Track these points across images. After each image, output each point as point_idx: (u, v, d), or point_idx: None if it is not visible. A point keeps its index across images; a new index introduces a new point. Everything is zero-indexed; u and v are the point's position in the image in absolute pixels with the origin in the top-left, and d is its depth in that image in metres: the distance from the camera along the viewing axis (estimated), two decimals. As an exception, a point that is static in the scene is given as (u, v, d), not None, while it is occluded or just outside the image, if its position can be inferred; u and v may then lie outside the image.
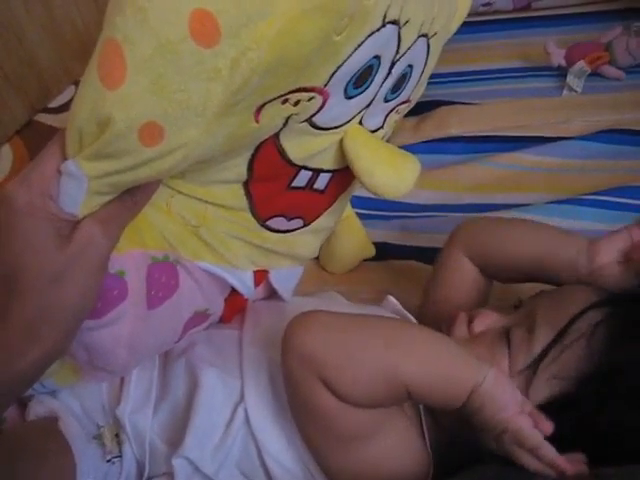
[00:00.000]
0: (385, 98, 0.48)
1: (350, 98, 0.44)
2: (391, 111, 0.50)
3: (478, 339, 0.53)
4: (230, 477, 0.55)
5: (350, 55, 0.40)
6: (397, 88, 0.48)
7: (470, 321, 0.55)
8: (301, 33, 0.35)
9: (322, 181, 0.51)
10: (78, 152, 0.38)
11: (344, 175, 0.51)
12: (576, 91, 1.04)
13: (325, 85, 0.41)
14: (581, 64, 1.03)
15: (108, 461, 0.57)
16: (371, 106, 0.47)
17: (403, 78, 0.47)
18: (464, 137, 0.97)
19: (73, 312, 0.42)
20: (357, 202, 0.81)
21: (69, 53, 1.03)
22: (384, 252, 0.82)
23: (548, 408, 0.48)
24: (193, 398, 0.56)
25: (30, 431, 0.57)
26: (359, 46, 0.40)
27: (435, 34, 0.47)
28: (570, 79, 1.03)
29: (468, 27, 1.19)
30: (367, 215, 0.86)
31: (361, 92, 0.44)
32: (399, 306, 0.62)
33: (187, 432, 0.55)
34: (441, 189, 0.89)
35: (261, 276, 0.58)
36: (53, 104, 0.92)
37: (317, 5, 0.34)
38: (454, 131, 0.98)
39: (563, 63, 1.05)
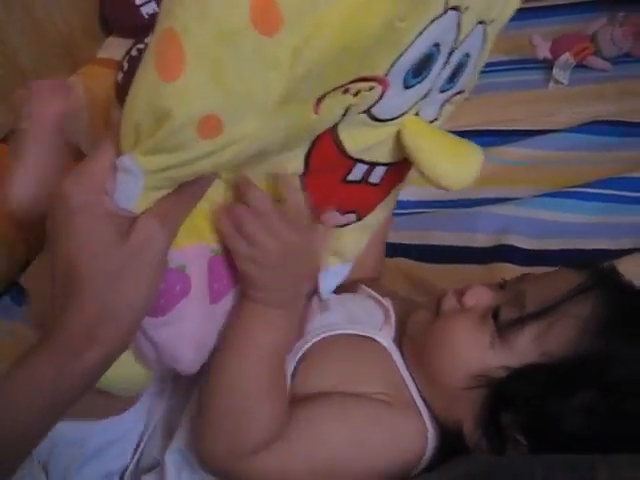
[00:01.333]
0: (441, 88, 0.46)
1: (408, 88, 0.42)
2: (446, 102, 0.49)
3: (468, 312, 0.54)
4: None
5: (412, 42, 0.38)
6: (453, 78, 0.46)
7: (461, 294, 0.55)
8: (365, 20, 0.33)
9: (377, 174, 0.49)
10: (133, 147, 0.37)
11: (399, 168, 0.50)
12: (562, 83, 1.04)
13: (386, 74, 0.39)
14: (567, 56, 1.03)
15: None
16: (428, 97, 0.45)
17: (460, 67, 0.45)
18: (453, 132, 0.96)
19: (133, 309, 0.42)
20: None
21: (52, 55, 1.02)
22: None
23: (524, 372, 0.49)
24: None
25: None
26: (421, 33, 0.38)
27: (492, 21, 0.45)
28: (556, 71, 1.04)
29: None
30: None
31: (419, 82, 0.42)
32: (371, 291, 0.63)
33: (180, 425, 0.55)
34: (428, 185, 0.89)
35: None
36: (38, 108, 0.92)
37: None
38: (443, 126, 0.98)
39: (549, 56, 1.05)
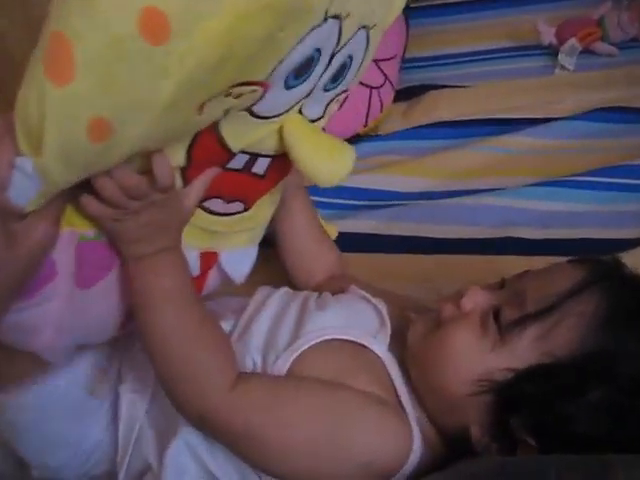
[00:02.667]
0: (325, 88, 0.48)
1: (290, 88, 0.44)
2: (331, 101, 0.51)
3: (467, 317, 0.52)
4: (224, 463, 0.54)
5: (293, 49, 0.40)
6: (337, 78, 0.49)
7: (459, 298, 0.54)
8: (248, 31, 0.35)
9: (261, 165, 0.51)
10: (30, 149, 0.38)
11: (284, 160, 0.51)
12: (568, 69, 1.02)
13: (267, 78, 0.41)
14: (572, 41, 1.01)
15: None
16: (311, 96, 0.47)
17: (343, 68, 0.48)
18: (454, 121, 0.95)
19: (4, 299, 0.43)
20: (345, 193, 0.79)
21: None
22: (371, 244, 0.81)
23: (528, 373, 0.48)
24: None
25: None
26: (301, 40, 0.40)
27: (374, 25, 0.48)
28: (562, 57, 1.02)
29: (456, 8, 1.18)
30: (352, 206, 0.85)
31: (301, 82, 0.45)
32: (363, 293, 0.62)
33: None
34: (432, 176, 0.88)
35: (209, 259, 0.57)
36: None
37: (264, 4, 0.35)
38: (444, 116, 0.97)
39: (554, 41, 1.03)
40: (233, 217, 0.55)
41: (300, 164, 0.48)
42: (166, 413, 0.56)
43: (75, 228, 0.48)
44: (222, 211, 0.54)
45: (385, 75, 0.96)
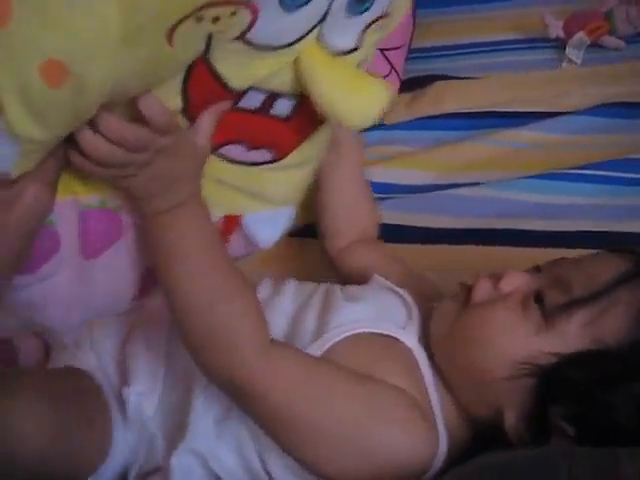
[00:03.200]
0: (350, 11, 0.41)
1: (291, 10, 0.38)
2: (367, 27, 0.43)
3: (506, 299, 0.51)
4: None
5: None
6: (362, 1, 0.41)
7: (496, 280, 0.53)
8: None
9: (282, 107, 0.45)
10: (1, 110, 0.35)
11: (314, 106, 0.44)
12: (576, 63, 1.01)
13: None
14: (580, 35, 1.01)
15: None
16: (328, 20, 0.40)
17: None
18: (460, 113, 0.95)
19: (4, 270, 0.42)
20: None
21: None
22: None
23: (576, 358, 0.47)
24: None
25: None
26: None
27: None
28: (569, 51, 1.01)
29: (463, -2, 1.17)
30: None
31: (304, 3, 0.38)
32: (388, 283, 0.61)
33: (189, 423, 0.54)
34: (435, 169, 0.88)
35: (232, 222, 0.52)
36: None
37: None
38: (450, 107, 0.96)
39: (561, 34, 1.03)
40: (261, 168, 0.49)
41: (318, 100, 0.42)
42: (174, 415, 0.56)
43: (77, 196, 0.46)
44: (245, 159, 0.48)
45: (391, 64, 0.95)
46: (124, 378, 0.59)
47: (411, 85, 1.01)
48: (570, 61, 1.02)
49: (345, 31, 0.42)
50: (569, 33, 1.02)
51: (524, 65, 1.03)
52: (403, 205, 0.83)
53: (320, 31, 0.41)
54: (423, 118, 0.95)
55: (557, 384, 0.48)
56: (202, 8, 0.35)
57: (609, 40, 1.02)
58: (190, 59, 0.39)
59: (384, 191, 0.85)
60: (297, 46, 0.41)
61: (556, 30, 1.03)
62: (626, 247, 0.55)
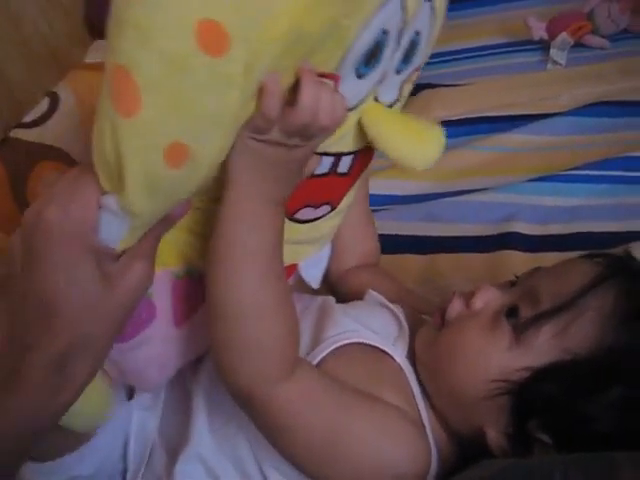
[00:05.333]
0: (397, 69, 0.46)
1: (361, 77, 0.42)
2: (404, 81, 0.49)
3: (477, 316, 0.51)
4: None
5: (359, 35, 0.38)
6: (408, 57, 0.46)
7: (468, 298, 0.53)
8: (309, 25, 0.34)
9: (345, 164, 0.49)
10: (113, 186, 0.37)
11: (365, 154, 0.50)
12: (560, 64, 1.02)
13: (336, 69, 0.40)
14: (563, 36, 1.01)
15: None
16: (384, 80, 0.45)
17: (412, 46, 0.46)
18: (449, 121, 0.95)
19: (108, 343, 0.42)
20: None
21: (40, 65, 1.01)
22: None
23: (547, 371, 0.47)
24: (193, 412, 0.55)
25: None
26: (367, 24, 0.38)
27: None
28: (553, 52, 1.02)
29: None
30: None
31: (372, 69, 0.42)
32: (381, 298, 0.61)
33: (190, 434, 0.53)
34: (428, 179, 0.88)
35: (291, 270, 0.56)
36: (27, 118, 0.91)
37: None
38: (438, 115, 0.96)
39: (545, 36, 1.03)
40: (321, 220, 0.53)
41: (390, 153, 0.46)
42: (177, 427, 0.55)
43: (168, 267, 0.48)
44: (312, 217, 0.52)
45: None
46: (128, 390, 0.58)
47: (398, 95, 1.01)
48: (555, 62, 1.02)
49: (392, 87, 0.47)
50: (552, 34, 1.03)
51: (510, 69, 1.04)
52: (400, 215, 0.83)
53: (376, 90, 0.45)
54: (413, 127, 0.95)
55: (531, 399, 0.48)
56: None
57: (593, 39, 1.03)
58: None
59: (379, 203, 0.85)
60: (360, 107, 0.45)
61: (539, 32, 1.04)
62: (601, 252, 0.55)
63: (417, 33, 0.45)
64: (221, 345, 0.46)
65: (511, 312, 0.50)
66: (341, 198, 0.53)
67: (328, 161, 0.48)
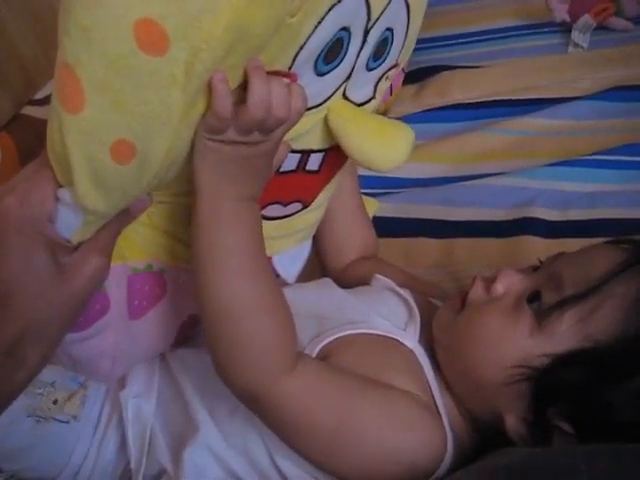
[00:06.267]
0: (367, 67, 0.45)
1: (323, 75, 0.42)
2: (380, 79, 0.48)
3: (499, 301, 0.50)
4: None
5: (311, 33, 0.38)
6: (380, 54, 0.46)
7: (489, 282, 0.52)
8: (250, 24, 0.34)
9: (314, 161, 0.49)
10: (66, 180, 0.38)
11: (338, 152, 0.49)
12: (582, 47, 1.00)
13: (290, 68, 0.39)
14: (586, 18, 0.99)
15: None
16: (352, 78, 0.45)
17: (384, 43, 0.45)
18: (467, 103, 0.93)
19: (60, 331, 0.43)
20: (362, 182, 0.77)
21: (52, 42, 1.00)
22: (386, 228, 0.78)
23: (569, 358, 0.46)
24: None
25: None
26: (320, 22, 0.38)
27: None
28: (575, 35, 1.00)
29: (464, -14, 1.16)
30: (369, 194, 0.82)
31: (334, 67, 0.42)
32: (389, 282, 0.60)
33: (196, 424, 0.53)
34: (445, 161, 0.86)
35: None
36: (39, 95, 0.90)
37: None
38: (456, 97, 0.95)
39: (567, 18, 1.01)
40: (292, 218, 0.53)
41: (351, 153, 0.46)
42: (178, 413, 0.55)
43: (126, 261, 0.48)
44: (281, 214, 0.52)
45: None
46: (120, 381, 0.58)
47: (416, 76, 0.99)
48: (576, 45, 1.00)
49: (364, 84, 0.46)
50: (574, 16, 1.01)
51: (530, 51, 1.02)
52: (416, 198, 0.82)
53: (344, 87, 0.45)
54: (430, 110, 0.94)
55: (551, 386, 0.47)
56: None
57: (616, 22, 1.00)
58: None
59: (395, 185, 0.84)
60: (326, 104, 0.44)
61: (561, 14, 1.01)
62: (627, 238, 0.53)
63: (389, 30, 0.44)
64: (217, 347, 0.46)
65: (534, 297, 0.49)
66: (314, 196, 0.53)
67: (295, 158, 0.47)
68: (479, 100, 0.94)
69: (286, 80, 0.39)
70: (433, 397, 0.51)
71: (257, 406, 0.47)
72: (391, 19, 0.44)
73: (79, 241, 0.41)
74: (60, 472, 0.56)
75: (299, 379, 0.46)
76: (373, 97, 0.48)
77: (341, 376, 0.49)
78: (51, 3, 0.99)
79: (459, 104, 0.94)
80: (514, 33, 1.04)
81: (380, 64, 0.46)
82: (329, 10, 0.38)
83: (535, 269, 0.53)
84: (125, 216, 0.43)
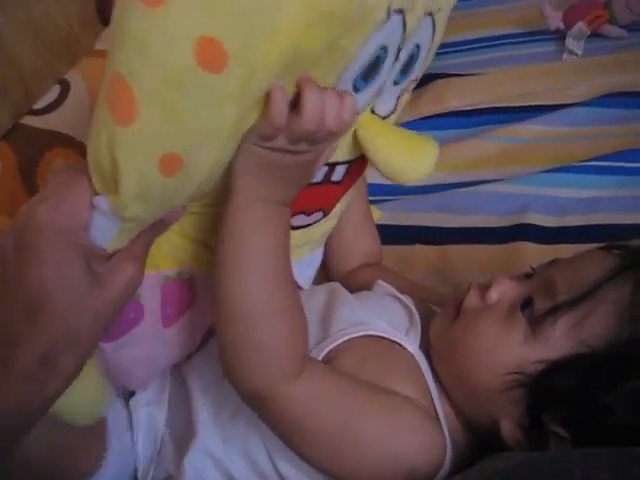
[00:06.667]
0: (395, 81, 0.47)
1: (359, 91, 0.43)
2: (402, 92, 0.49)
3: (493, 308, 0.51)
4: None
5: (357, 53, 0.39)
6: (406, 69, 0.47)
7: (484, 289, 0.52)
8: (307, 45, 0.34)
9: (339, 173, 0.50)
10: (106, 189, 0.38)
11: (360, 162, 0.50)
12: (576, 54, 1.01)
13: (334, 84, 0.40)
14: (580, 25, 1.00)
15: None
16: (381, 92, 0.46)
17: (411, 59, 0.46)
18: (463, 111, 0.94)
19: (94, 340, 0.43)
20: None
21: (51, 52, 1.00)
22: (384, 235, 0.78)
23: (563, 365, 0.47)
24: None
25: None
26: (365, 43, 0.39)
27: (439, 10, 0.45)
28: (569, 42, 1.01)
29: (460, -6, 1.17)
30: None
31: (370, 83, 0.43)
32: (391, 288, 0.60)
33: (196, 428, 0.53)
34: (442, 169, 0.86)
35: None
36: (38, 105, 0.90)
37: (321, 15, 0.33)
38: (452, 105, 0.95)
39: (561, 26, 1.02)
40: (313, 226, 0.54)
41: (379, 165, 0.46)
42: (182, 421, 0.55)
43: (160, 270, 0.49)
44: (304, 224, 0.53)
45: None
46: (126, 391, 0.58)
47: (411, 85, 1.00)
48: (571, 52, 1.01)
49: (390, 98, 0.47)
50: (568, 24, 1.01)
51: (524, 59, 1.02)
52: (412, 205, 0.82)
53: (373, 102, 0.46)
54: (426, 117, 0.94)
55: (546, 392, 0.47)
56: None
57: (610, 29, 1.01)
58: None
59: (392, 192, 0.84)
60: (357, 118, 0.45)
61: (555, 21, 1.02)
62: (618, 244, 0.54)
63: (417, 46, 0.45)
64: (230, 346, 0.46)
65: (527, 304, 0.50)
66: (334, 204, 0.54)
67: (322, 171, 0.48)
68: (475, 107, 0.94)
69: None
70: (433, 402, 0.51)
71: (262, 408, 0.47)
72: (420, 37, 0.45)
73: (114, 250, 0.41)
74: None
75: (306, 383, 0.46)
76: (394, 110, 0.49)
77: (347, 381, 0.49)
78: (50, 13, 1.00)
79: (455, 111, 0.94)
80: (509, 41, 1.05)
81: (405, 78, 0.47)
82: (374, 32, 0.38)
83: (528, 276, 0.53)
84: (159, 225, 0.43)
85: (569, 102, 0.92)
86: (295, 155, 0.41)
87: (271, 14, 0.32)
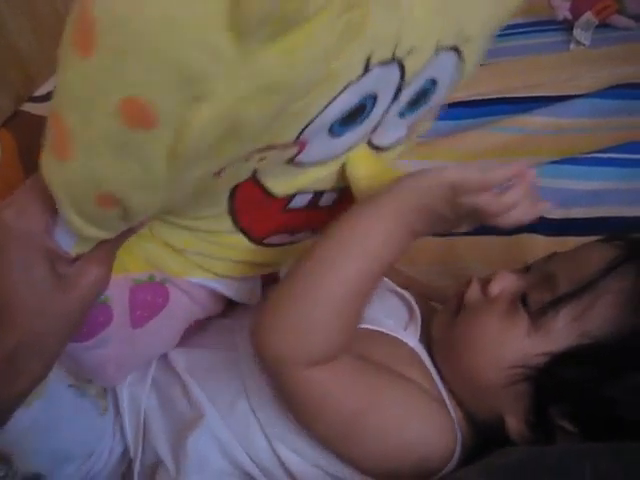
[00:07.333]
0: (401, 114, 0.44)
1: (338, 136, 0.40)
2: (415, 121, 0.46)
3: (494, 302, 0.50)
4: None
5: (324, 109, 0.36)
6: (417, 104, 0.44)
7: (485, 283, 0.52)
8: (248, 112, 0.32)
9: (328, 199, 0.48)
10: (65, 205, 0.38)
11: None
12: (584, 44, 1.00)
13: (297, 139, 0.38)
14: (588, 15, 0.99)
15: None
16: (380, 128, 0.43)
17: (424, 93, 0.43)
18: (469, 101, 0.93)
19: (61, 342, 0.43)
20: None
21: (52, 40, 1.00)
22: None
23: (566, 357, 0.46)
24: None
25: None
26: (334, 99, 0.36)
27: (467, 40, 0.42)
28: (577, 32, 1.00)
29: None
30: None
31: (354, 128, 0.40)
32: (391, 283, 0.59)
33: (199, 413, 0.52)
34: (451, 159, 0.85)
35: (271, 275, 0.57)
36: (38, 92, 0.90)
37: (259, 88, 0.31)
38: (459, 95, 0.94)
39: (569, 16, 1.01)
40: (300, 243, 0.53)
41: (357, 197, 0.46)
42: (182, 403, 0.54)
43: (129, 272, 0.49)
44: (288, 241, 0.52)
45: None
46: None
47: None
48: (578, 43, 1.00)
49: (395, 130, 0.45)
50: (576, 14, 1.00)
51: (532, 49, 1.01)
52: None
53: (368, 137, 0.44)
54: (432, 107, 0.93)
55: (551, 385, 0.47)
56: (256, 152, 0.37)
57: (619, 20, 1.00)
58: (236, 182, 0.42)
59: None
60: (344, 156, 0.44)
61: (563, 12, 1.01)
62: (619, 235, 0.53)
63: (432, 81, 0.42)
64: (282, 315, 0.45)
65: (527, 298, 0.49)
66: (324, 225, 0.51)
67: (306, 198, 0.46)
68: (481, 98, 0.93)
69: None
70: (442, 395, 0.51)
71: (279, 377, 0.47)
72: (436, 70, 0.41)
73: (79, 253, 0.42)
74: (89, 454, 0.56)
75: (330, 368, 0.46)
76: (402, 137, 0.47)
77: (367, 366, 0.49)
78: (52, 1, 0.99)
79: (461, 102, 0.93)
80: (516, 31, 1.04)
81: (417, 110, 0.44)
82: (346, 87, 0.36)
83: (527, 269, 0.53)
84: (126, 230, 0.44)
85: (576, 93, 0.91)
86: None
87: (197, 84, 0.30)
